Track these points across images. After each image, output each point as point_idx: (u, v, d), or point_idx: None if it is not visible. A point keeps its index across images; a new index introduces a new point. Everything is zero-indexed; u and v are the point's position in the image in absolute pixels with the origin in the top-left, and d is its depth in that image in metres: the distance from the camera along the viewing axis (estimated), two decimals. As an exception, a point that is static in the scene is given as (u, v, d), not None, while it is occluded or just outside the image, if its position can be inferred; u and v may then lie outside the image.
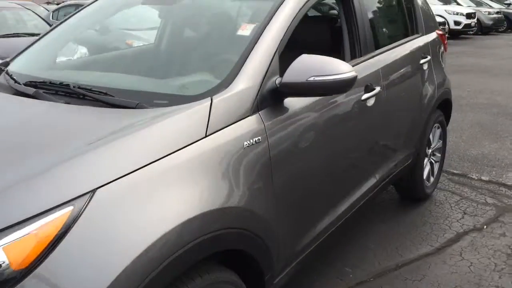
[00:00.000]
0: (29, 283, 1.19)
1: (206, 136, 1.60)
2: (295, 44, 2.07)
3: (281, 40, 1.97)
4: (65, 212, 1.25)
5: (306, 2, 2.16)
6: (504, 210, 3.61)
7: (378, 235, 3.24)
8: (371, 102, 2.53)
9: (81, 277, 1.23)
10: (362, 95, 2.45)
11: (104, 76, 2.20)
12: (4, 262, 1.18)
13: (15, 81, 2.05)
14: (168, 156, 1.48)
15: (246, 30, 2.00)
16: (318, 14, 3.53)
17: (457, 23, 17.58)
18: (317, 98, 2.09)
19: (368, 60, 2.62)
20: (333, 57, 2.60)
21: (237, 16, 2.30)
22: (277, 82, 1.86)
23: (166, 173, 1.46)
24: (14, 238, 1.19)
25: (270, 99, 1.86)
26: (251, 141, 1.73)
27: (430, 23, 3.66)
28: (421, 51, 3.28)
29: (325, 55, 2.67)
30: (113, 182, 1.34)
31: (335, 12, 3.22)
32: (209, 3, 2.46)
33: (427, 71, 3.32)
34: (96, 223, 1.28)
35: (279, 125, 1.88)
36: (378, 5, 3.14)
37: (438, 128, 3.73)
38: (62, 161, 1.36)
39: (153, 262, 1.32)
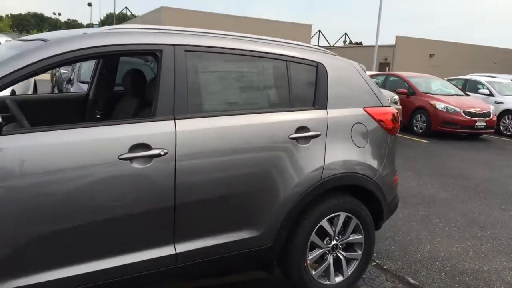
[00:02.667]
0: None
1: None
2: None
3: None
4: None
5: None
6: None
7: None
8: (143, 164, 2.42)
9: None
10: (122, 154, 2.38)
11: None
12: None
13: None
14: None
15: None
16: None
17: None
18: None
19: (165, 122, 2.53)
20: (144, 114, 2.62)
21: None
22: None
23: None
24: None
25: None
26: None
27: (348, 98, 3.21)
28: (298, 125, 2.92)
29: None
30: None
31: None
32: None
33: (305, 148, 2.92)
34: None
35: None
36: (224, 68, 2.92)
37: (350, 218, 3.18)
38: None
39: None
